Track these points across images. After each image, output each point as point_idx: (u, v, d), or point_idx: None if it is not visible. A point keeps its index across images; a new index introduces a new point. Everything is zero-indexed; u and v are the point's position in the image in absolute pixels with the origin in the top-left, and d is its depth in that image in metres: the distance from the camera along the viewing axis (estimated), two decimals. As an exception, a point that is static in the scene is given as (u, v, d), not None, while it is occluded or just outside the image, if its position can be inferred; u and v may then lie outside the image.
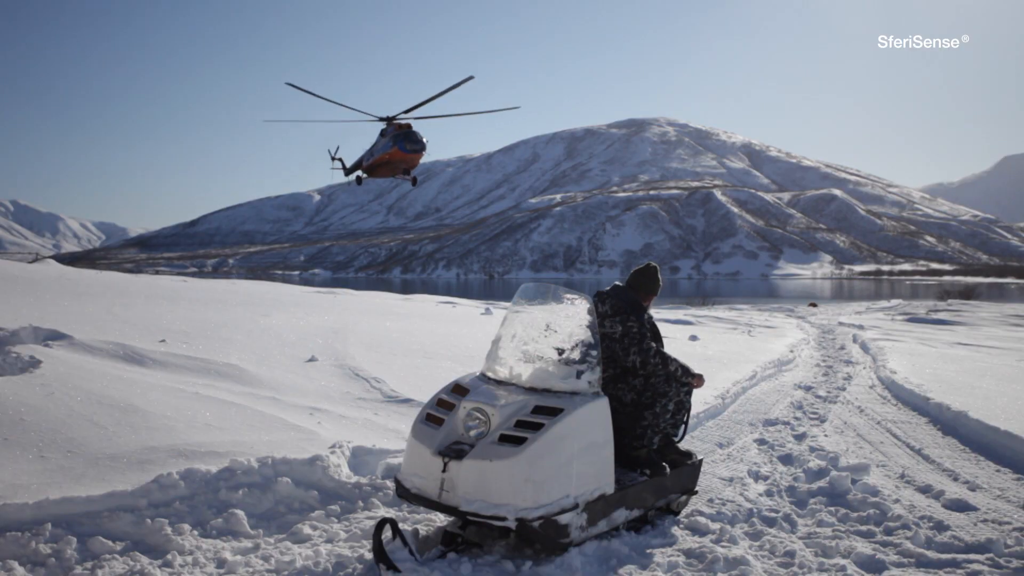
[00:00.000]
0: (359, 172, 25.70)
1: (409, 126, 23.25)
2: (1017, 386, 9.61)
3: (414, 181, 24.89)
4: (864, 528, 4.83)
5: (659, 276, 5.37)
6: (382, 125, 23.92)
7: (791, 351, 14.34)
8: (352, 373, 8.42)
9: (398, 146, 22.87)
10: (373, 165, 24.42)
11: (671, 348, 8.85)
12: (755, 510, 5.14)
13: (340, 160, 27.12)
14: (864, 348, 15.33)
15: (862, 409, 8.77)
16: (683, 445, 5.86)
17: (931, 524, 4.83)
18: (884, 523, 4.88)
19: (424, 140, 23.09)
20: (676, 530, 4.78)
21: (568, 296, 4.75)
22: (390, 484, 5.17)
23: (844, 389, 10.21)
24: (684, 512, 5.13)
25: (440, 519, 4.75)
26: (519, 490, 3.93)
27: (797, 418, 8.30)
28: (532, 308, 4.84)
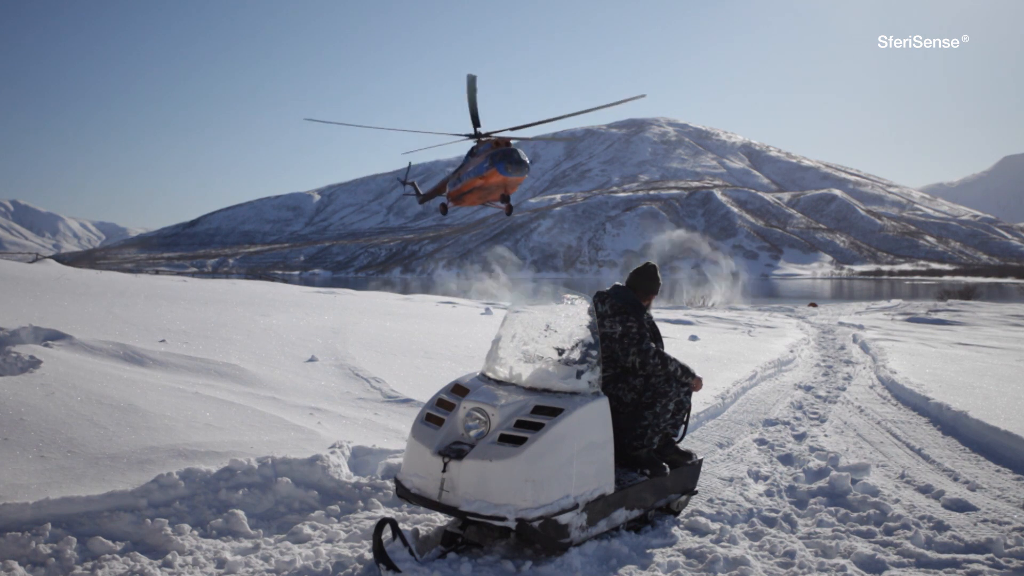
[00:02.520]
0: (443, 199, 21.66)
1: (508, 143, 19.31)
2: (1017, 386, 9.60)
3: (509, 209, 20.68)
4: (864, 528, 4.82)
5: (658, 275, 5.37)
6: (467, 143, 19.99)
7: (791, 351, 14.33)
8: (352, 373, 8.42)
9: (496, 168, 18.98)
10: (462, 191, 20.39)
11: (671, 348, 8.87)
12: (755, 510, 5.14)
13: (412, 184, 23.46)
14: (864, 348, 15.32)
15: (862, 409, 8.77)
16: (683, 445, 5.87)
17: (931, 524, 4.83)
18: (884, 523, 4.88)
19: (527, 160, 19.27)
20: (676, 530, 4.78)
21: (568, 296, 4.75)
22: (390, 484, 5.17)
23: (844, 389, 10.20)
24: (684, 512, 5.14)
25: (440, 519, 4.75)
26: (519, 490, 3.93)
27: (797, 418, 8.30)
28: (532, 308, 4.84)
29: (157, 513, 4.40)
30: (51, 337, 7.87)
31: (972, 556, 4.35)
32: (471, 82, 18.08)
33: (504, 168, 19.02)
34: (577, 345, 4.54)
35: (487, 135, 19.58)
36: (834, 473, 5.78)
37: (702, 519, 4.91)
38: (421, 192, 23.46)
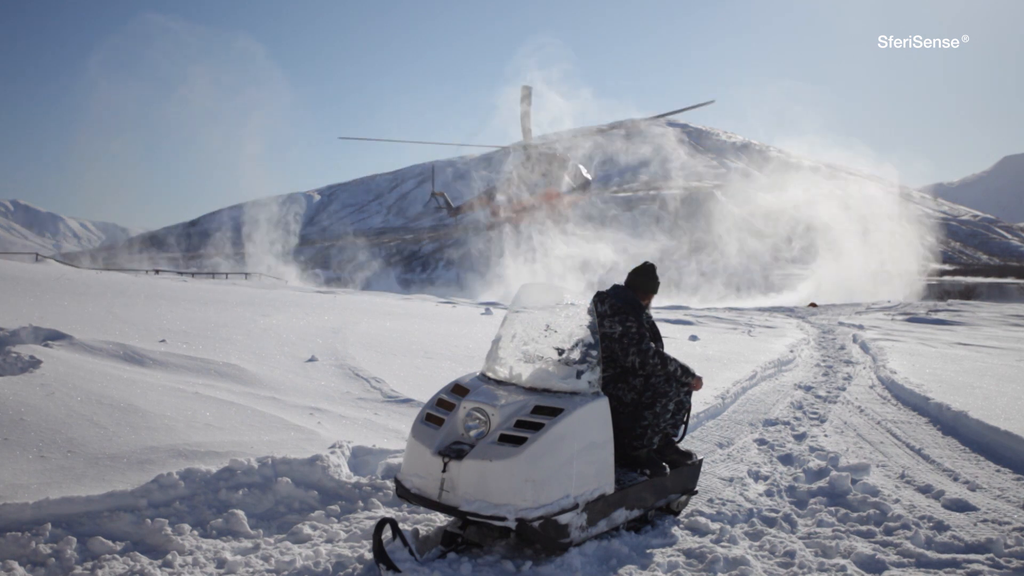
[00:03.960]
0: (487, 216, 19.43)
1: (566, 156, 16.84)
2: (1017, 386, 9.60)
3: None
4: (864, 528, 4.82)
5: (657, 275, 5.37)
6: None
7: (791, 351, 14.32)
8: (352, 373, 8.42)
9: (555, 185, 16.87)
10: (513, 208, 17.79)
11: (671, 348, 8.86)
12: (755, 510, 5.14)
13: (443, 197, 21.59)
14: (864, 348, 15.31)
15: (862, 409, 8.77)
16: (683, 445, 5.87)
17: (931, 524, 4.83)
18: (884, 523, 4.88)
19: (589, 176, 16.82)
20: (676, 530, 4.78)
21: (568, 296, 4.76)
22: (390, 484, 5.17)
23: (844, 389, 10.20)
24: (684, 512, 5.13)
25: (440, 519, 4.75)
26: (519, 490, 3.93)
27: (797, 418, 8.29)
28: (532, 308, 4.84)
29: (157, 513, 4.40)
30: (51, 337, 7.87)
31: (972, 556, 4.35)
32: (526, 93, 16.56)
33: (563, 186, 16.45)
34: (577, 345, 4.54)
35: (536, 147, 17.59)
36: (834, 473, 5.77)
37: (702, 519, 4.91)
38: (452, 205, 21.88)
